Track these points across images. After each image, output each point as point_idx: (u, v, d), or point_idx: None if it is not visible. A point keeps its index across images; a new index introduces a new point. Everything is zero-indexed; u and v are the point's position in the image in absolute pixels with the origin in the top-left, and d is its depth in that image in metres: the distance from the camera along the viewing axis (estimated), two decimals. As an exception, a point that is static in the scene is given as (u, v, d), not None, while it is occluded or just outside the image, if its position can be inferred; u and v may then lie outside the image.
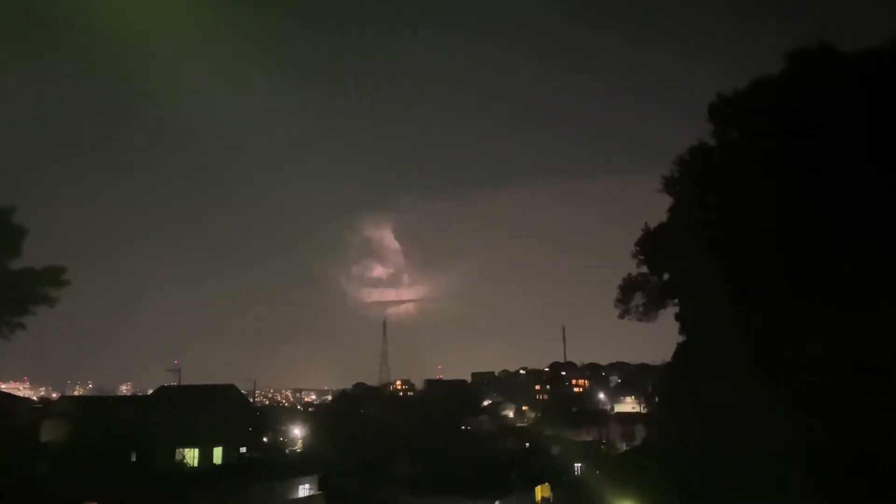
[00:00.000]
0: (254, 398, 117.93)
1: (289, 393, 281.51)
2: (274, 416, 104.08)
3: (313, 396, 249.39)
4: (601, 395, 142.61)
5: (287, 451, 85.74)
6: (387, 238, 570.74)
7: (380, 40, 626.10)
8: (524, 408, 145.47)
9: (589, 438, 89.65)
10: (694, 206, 29.06)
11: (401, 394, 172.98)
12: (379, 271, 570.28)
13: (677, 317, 31.24)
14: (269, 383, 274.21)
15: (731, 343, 24.46)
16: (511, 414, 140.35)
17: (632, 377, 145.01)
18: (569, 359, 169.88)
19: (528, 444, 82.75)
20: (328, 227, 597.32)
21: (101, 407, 63.74)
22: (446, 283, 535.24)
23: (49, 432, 53.75)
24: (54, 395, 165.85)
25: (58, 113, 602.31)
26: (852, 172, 22.68)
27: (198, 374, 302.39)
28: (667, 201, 30.87)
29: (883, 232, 21.69)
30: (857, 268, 21.60)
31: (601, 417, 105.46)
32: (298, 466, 62.02)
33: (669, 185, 30.62)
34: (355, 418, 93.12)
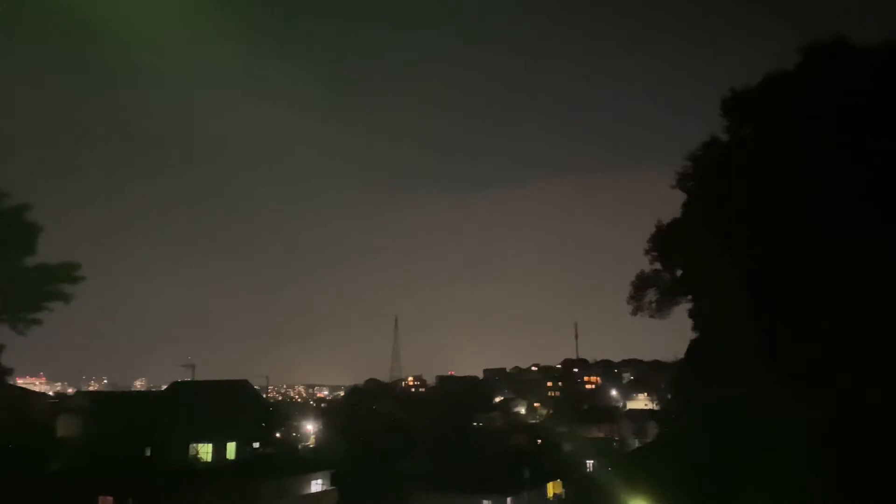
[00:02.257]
0: (267, 394, 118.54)
1: (301, 388, 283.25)
2: (287, 411, 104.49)
3: (326, 392, 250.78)
4: (613, 392, 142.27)
5: (300, 446, 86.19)
6: (396, 236, 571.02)
7: (386, 39, 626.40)
8: (536, 405, 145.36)
9: (601, 435, 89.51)
10: (707, 201, 28.79)
11: (412, 390, 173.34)
12: (389, 268, 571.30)
13: (690, 313, 30.97)
14: (281, 379, 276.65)
15: (743, 340, 24.25)
16: (523, 411, 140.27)
17: (644, 374, 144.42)
18: (581, 356, 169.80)
19: (539, 441, 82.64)
20: (339, 226, 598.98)
21: (115, 402, 64.35)
22: (457, 280, 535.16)
23: (64, 427, 54.31)
24: (70, 390, 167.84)
25: (75, 115, 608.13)
26: (867, 168, 22.39)
27: (211, 369, 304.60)
28: (680, 197, 30.63)
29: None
30: (868, 267, 21.32)
31: (613, 414, 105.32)
32: (311, 462, 62.29)
33: (682, 180, 30.37)
34: (367, 414, 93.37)
